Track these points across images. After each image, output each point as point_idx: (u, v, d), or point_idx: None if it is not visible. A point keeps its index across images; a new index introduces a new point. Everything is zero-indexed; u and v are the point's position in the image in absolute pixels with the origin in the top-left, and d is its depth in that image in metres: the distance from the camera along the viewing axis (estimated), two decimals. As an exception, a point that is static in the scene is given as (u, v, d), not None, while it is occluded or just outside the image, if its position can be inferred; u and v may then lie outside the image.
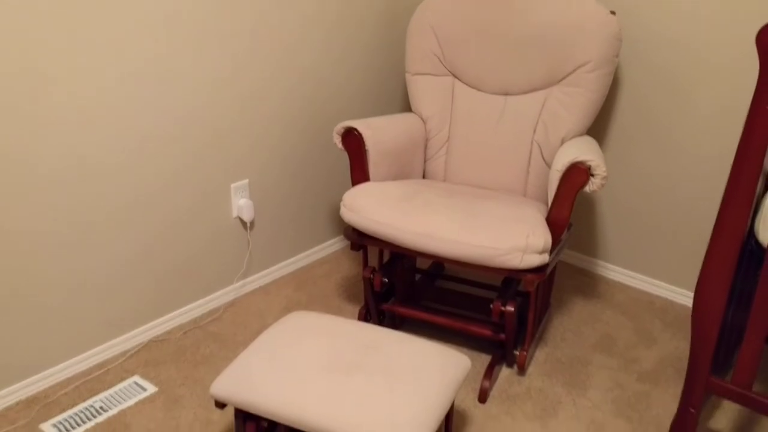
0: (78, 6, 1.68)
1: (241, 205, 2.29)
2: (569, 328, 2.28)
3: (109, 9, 1.74)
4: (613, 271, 2.62)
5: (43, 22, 1.62)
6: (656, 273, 2.51)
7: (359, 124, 2.07)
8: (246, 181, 2.29)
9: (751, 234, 1.57)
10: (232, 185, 2.25)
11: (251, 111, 2.22)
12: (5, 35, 1.56)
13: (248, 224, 2.36)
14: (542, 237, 1.77)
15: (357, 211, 1.93)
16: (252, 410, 1.45)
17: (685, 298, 2.45)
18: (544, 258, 1.78)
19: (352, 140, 2.06)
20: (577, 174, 1.80)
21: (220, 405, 1.54)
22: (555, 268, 2.23)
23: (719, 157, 2.24)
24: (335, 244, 2.79)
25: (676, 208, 2.39)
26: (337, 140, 2.10)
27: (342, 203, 1.99)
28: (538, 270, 1.82)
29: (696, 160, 2.29)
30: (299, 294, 2.44)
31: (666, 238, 2.45)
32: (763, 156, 1.40)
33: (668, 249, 2.45)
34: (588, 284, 2.57)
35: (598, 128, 2.50)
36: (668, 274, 2.48)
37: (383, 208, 1.91)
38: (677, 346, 2.19)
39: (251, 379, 1.47)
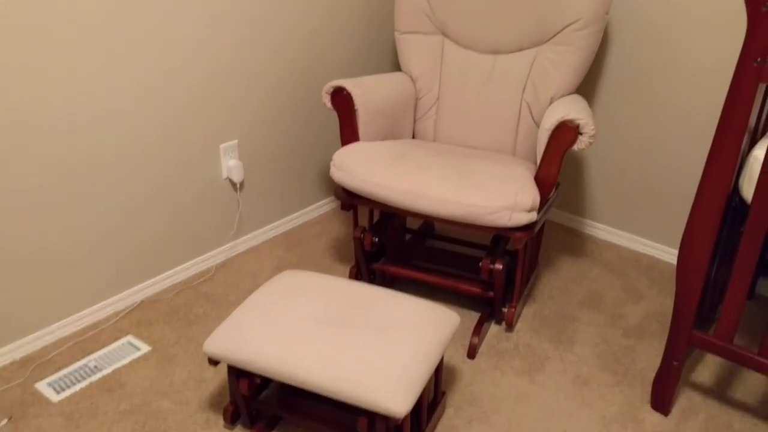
0: (60, -38, 1.65)
1: (231, 165, 2.29)
2: (557, 286, 2.31)
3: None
4: (601, 230, 2.65)
5: (24, -21, 1.59)
6: (643, 231, 2.54)
7: (348, 83, 2.05)
8: (235, 141, 2.29)
9: (736, 191, 1.60)
10: (221, 146, 2.24)
11: (238, 71, 2.20)
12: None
13: (238, 185, 2.36)
14: (530, 195, 1.78)
15: (347, 170, 1.94)
16: (244, 367, 1.47)
17: (671, 256, 2.49)
18: (532, 216, 1.80)
19: (341, 100, 2.05)
20: (565, 132, 1.81)
21: (213, 362, 1.56)
22: (543, 227, 2.25)
23: (708, 115, 2.25)
24: (326, 205, 2.80)
25: (664, 167, 2.41)
26: (326, 99, 2.09)
27: (332, 163, 1.99)
28: (527, 228, 1.84)
29: (684, 118, 2.30)
30: (290, 254, 2.46)
31: (653, 196, 2.47)
32: (749, 113, 1.41)
33: (656, 208, 2.48)
34: (576, 243, 2.60)
35: (587, 86, 2.50)
36: (655, 233, 2.51)
37: (373, 168, 1.91)
38: (662, 303, 2.24)
39: (243, 336, 1.50)
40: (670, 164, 2.39)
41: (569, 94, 2.13)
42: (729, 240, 1.80)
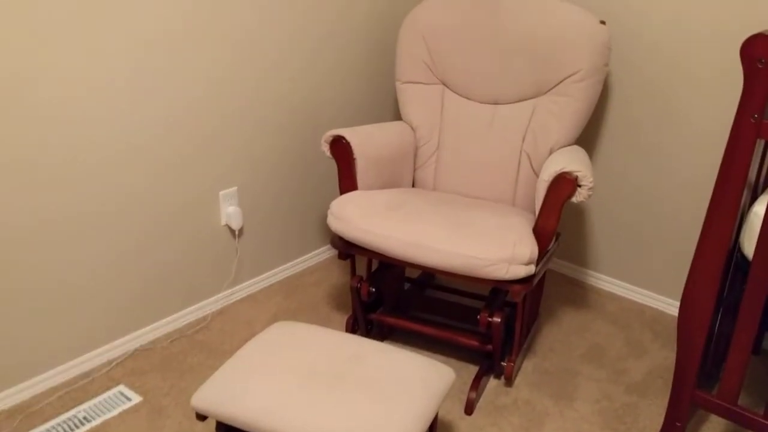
0: (72, 12, 1.67)
1: (230, 212, 2.28)
2: (558, 338, 2.26)
3: (101, 15, 1.73)
4: (604, 281, 2.61)
5: (37, 26, 1.61)
6: (647, 283, 2.50)
7: (347, 132, 2.06)
8: (235, 188, 2.29)
9: (737, 246, 1.57)
10: (221, 192, 2.24)
11: (241, 118, 2.22)
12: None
13: (237, 232, 2.35)
14: (528, 247, 1.76)
15: (344, 219, 1.93)
16: (232, 423, 1.44)
17: (675, 308, 2.44)
18: (531, 269, 1.77)
19: (340, 148, 2.05)
20: (563, 184, 1.79)
21: (201, 417, 1.52)
22: (544, 277, 2.22)
23: (709, 166, 2.23)
24: (326, 252, 2.78)
25: (667, 217, 2.38)
26: (325, 148, 2.09)
27: (329, 211, 1.98)
28: (525, 281, 1.80)
29: (685, 170, 2.28)
30: (288, 302, 2.43)
31: (656, 247, 2.44)
32: (747, 168, 1.39)
33: (659, 259, 2.44)
34: (578, 294, 2.56)
35: (587, 137, 2.49)
36: (659, 284, 2.47)
37: (370, 217, 1.90)
38: (667, 357, 2.18)
39: (232, 391, 1.46)
40: (673, 214, 2.36)
41: (569, 144, 2.13)
42: (732, 294, 1.77)
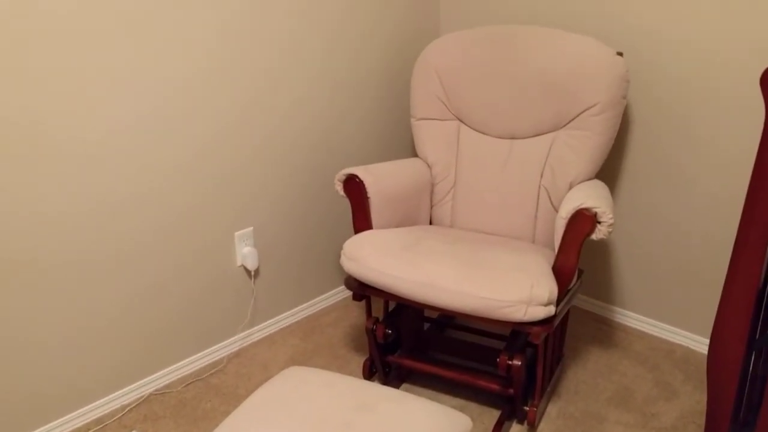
0: (86, 51, 1.68)
1: (245, 253, 2.26)
2: (583, 379, 2.17)
3: (115, 53, 1.75)
4: (632, 318, 2.51)
5: (50, 67, 1.63)
6: (677, 320, 2.40)
7: (360, 171, 2.03)
8: (250, 228, 2.27)
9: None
10: (236, 233, 2.22)
11: (257, 158, 2.21)
12: (10, 78, 1.57)
13: (252, 273, 2.33)
14: (547, 288, 1.69)
15: (356, 260, 1.88)
16: (239, 475, 1.38)
17: (707, 346, 2.32)
18: (550, 310, 1.70)
19: (353, 187, 2.03)
20: (582, 221, 1.73)
21: (208, 468, 1.47)
22: (567, 315, 2.14)
23: (736, 197, 2.15)
24: (343, 292, 2.73)
25: (696, 251, 2.29)
26: (339, 187, 2.06)
27: (342, 252, 1.94)
28: (545, 322, 1.73)
29: (712, 198, 2.20)
30: (305, 343, 2.38)
31: (686, 283, 2.34)
32: (774, 204, 1.32)
33: (689, 295, 2.34)
34: (605, 332, 2.47)
35: (609, 170, 2.43)
36: (689, 322, 2.37)
37: (383, 257, 1.85)
38: (699, 400, 2.07)
39: (239, 441, 1.41)
40: (702, 247, 2.27)
41: (589, 179, 2.07)
42: (767, 332, 1.67)
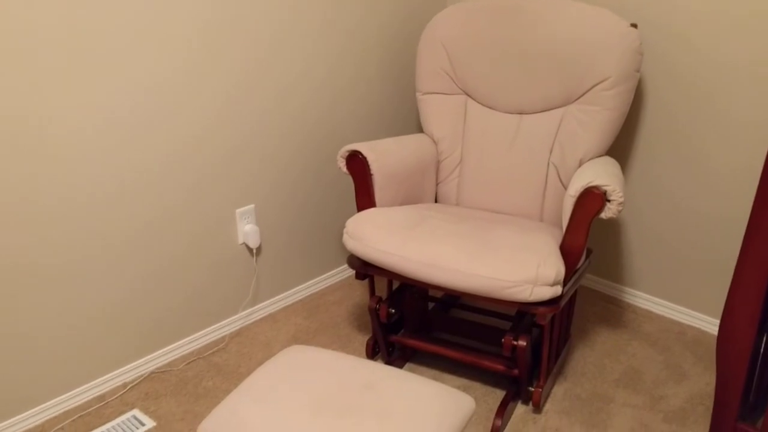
0: (82, 36, 1.64)
1: (247, 231, 2.23)
2: (591, 360, 2.13)
3: (112, 32, 1.70)
4: (642, 299, 2.46)
5: (43, 58, 1.58)
6: (688, 301, 2.35)
7: (363, 147, 1.98)
8: (252, 206, 2.23)
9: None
10: (237, 211, 2.19)
11: (257, 135, 2.16)
12: (7, 77, 1.53)
13: (254, 251, 2.29)
14: (554, 268, 1.65)
15: (359, 238, 1.84)
16: (236, 456, 1.36)
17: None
18: (557, 290, 1.66)
19: (356, 164, 1.98)
20: (591, 200, 1.68)
21: (207, 448, 1.45)
22: (575, 295, 2.10)
23: (753, 174, 2.08)
24: (347, 270, 2.70)
25: (709, 231, 2.23)
26: (342, 164, 2.01)
27: (344, 230, 1.90)
28: (551, 302, 1.69)
29: (728, 180, 2.14)
30: (308, 322, 2.36)
31: (698, 263, 2.29)
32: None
33: (701, 275, 2.29)
34: (614, 313, 2.43)
35: (621, 146, 2.36)
36: (701, 302, 2.32)
37: (386, 236, 1.81)
38: (709, 383, 2.03)
39: (236, 422, 1.39)
40: (716, 227, 2.21)
41: (599, 155, 2.01)
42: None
